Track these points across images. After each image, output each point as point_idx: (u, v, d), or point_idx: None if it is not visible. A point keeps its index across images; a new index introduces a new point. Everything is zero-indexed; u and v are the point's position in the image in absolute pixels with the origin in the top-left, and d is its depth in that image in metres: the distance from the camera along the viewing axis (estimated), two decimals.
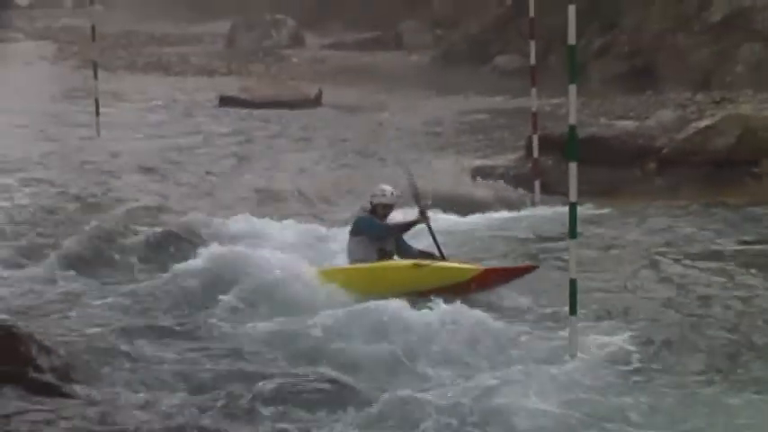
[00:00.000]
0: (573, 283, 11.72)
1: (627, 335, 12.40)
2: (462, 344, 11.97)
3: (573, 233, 11.78)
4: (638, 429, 10.06)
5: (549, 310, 13.32)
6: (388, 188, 14.46)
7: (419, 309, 12.64)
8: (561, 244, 13.30)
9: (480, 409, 10.16)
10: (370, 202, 14.38)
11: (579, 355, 11.54)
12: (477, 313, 12.74)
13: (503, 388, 10.58)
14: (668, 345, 12.10)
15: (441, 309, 12.52)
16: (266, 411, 10.21)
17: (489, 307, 13.39)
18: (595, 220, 17.32)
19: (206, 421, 10.08)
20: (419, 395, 10.38)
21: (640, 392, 10.81)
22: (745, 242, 16.68)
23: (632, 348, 11.99)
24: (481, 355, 11.88)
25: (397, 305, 12.56)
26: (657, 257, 15.78)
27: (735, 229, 17.41)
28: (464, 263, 14.17)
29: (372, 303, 12.67)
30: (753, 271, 14.77)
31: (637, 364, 11.49)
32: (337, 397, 10.48)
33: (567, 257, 12.17)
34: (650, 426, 10.07)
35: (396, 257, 14.35)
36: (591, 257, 14.76)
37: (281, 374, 11.06)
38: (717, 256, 15.83)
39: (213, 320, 12.95)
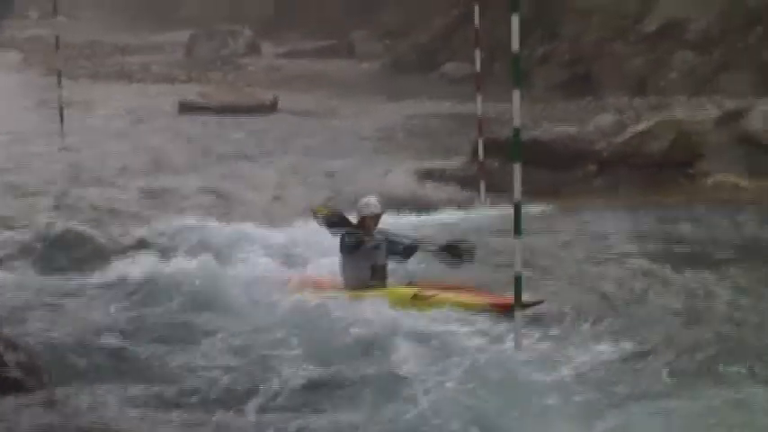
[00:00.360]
0: (518, 278, 11.74)
1: (568, 328, 12.48)
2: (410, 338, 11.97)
3: (518, 230, 11.79)
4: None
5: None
6: (372, 199, 13.66)
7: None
8: (507, 241, 13.27)
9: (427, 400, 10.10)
10: (358, 216, 13.60)
11: (523, 347, 11.56)
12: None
13: (446, 379, 10.47)
14: (608, 336, 12.13)
15: None
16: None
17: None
18: (539, 219, 17.37)
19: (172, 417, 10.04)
20: None
21: (576, 385, 10.78)
22: (681, 240, 16.80)
23: (573, 340, 12.06)
24: (428, 347, 11.87)
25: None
26: (598, 254, 15.86)
27: (670, 227, 17.54)
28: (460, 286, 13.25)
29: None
30: (688, 267, 14.83)
31: (575, 356, 11.40)
32: None
33: (512, 254, 12.16)
34: (588, 417, 10.09)
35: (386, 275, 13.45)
36: (535, 254, 14.77)
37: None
38: (653, 253, 15.90)
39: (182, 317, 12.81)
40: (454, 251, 13.61)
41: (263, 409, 9.97)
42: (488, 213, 18.35)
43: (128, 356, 11.58)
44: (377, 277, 13.23)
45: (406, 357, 11.19)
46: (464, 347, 11.58)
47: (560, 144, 20.89)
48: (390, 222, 17.62)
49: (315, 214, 14.13)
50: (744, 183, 19.37)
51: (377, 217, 13.50)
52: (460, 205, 19.37)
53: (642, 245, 16.45)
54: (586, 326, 12.48)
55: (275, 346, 11.53)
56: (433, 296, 12.65)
